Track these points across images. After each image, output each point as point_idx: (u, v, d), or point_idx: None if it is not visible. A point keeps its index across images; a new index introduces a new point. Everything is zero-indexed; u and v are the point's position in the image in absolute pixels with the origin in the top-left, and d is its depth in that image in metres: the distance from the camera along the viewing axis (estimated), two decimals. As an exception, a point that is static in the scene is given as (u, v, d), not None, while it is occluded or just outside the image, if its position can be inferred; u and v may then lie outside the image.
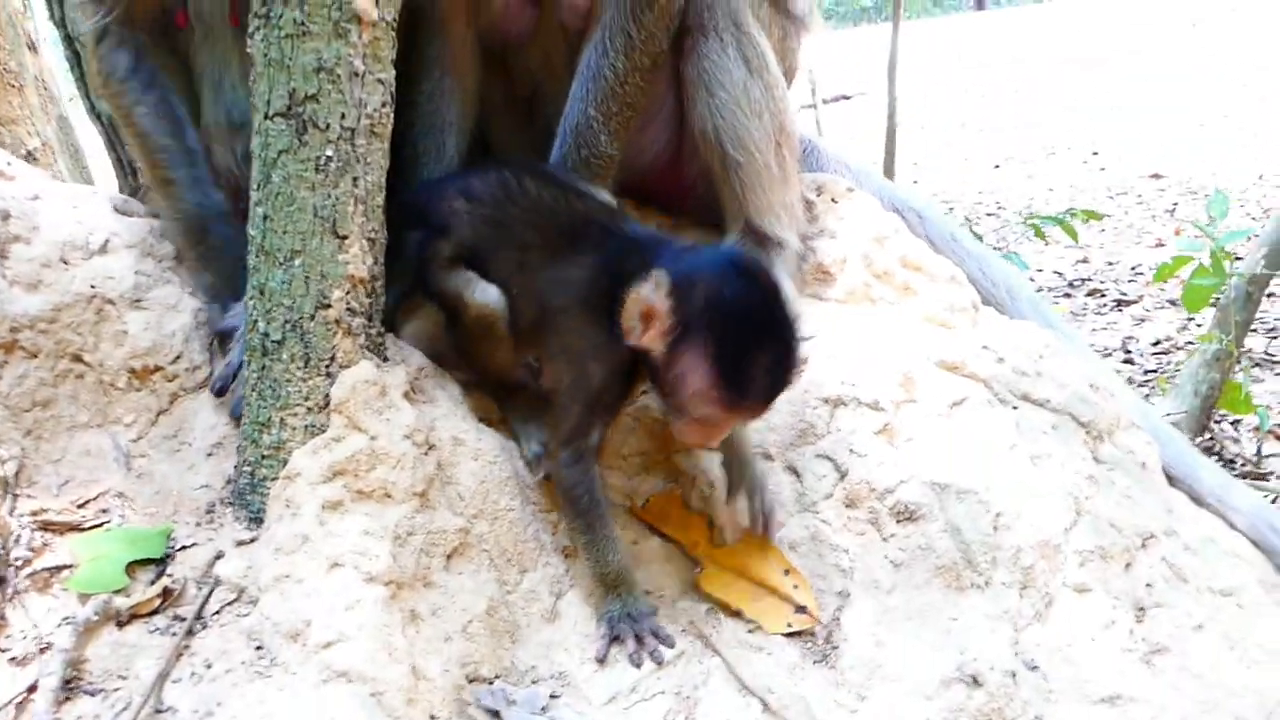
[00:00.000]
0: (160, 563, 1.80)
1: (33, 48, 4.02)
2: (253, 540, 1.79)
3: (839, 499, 2.08)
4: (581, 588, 1.94)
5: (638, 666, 1.83)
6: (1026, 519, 2.13)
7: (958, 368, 2.34)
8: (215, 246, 2.16)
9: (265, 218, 1.79)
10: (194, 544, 1.83)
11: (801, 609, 1.97)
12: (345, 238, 1.80)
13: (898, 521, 2.07)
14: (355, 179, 1.80)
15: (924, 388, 2.27)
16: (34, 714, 1.55)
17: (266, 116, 1.77)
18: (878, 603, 2.01)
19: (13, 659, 1.64)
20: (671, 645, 1.87)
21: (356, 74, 1.76)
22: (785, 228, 2.33)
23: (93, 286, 2.01)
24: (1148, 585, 2.19)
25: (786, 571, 2.02)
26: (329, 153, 1.77)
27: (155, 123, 2.19)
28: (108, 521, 1.84)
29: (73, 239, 2.04)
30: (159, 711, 1.56)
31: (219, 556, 1.78)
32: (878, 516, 2.07)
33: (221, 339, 2.08)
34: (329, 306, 1.80)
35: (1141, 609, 2.15)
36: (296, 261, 1.79)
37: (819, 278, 2.43)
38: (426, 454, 1.83)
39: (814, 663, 1.91)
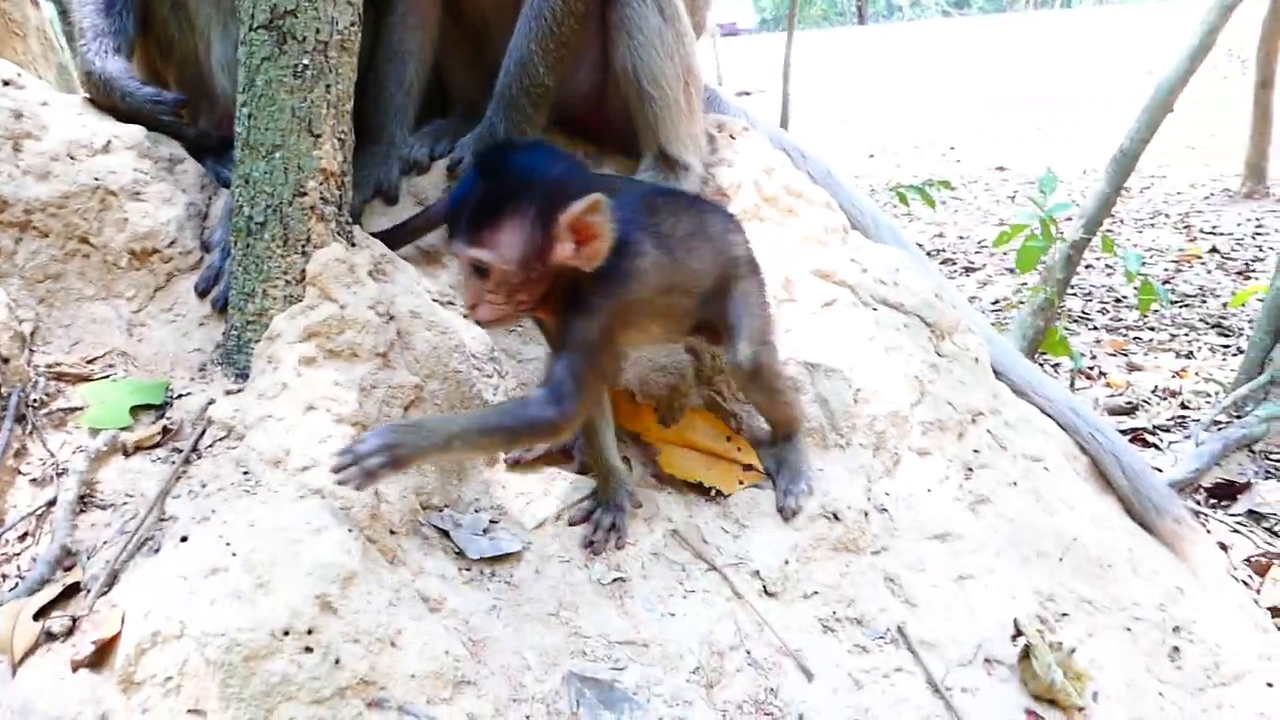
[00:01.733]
0: (160, 408, 1.81)
1: (34, 2, 3.89)
2: (240, 391, 1.82)
3: (730, 374, 2.16)
4: (517, 440, 2.01)
5: (586, 547, 1.84)
6: (880, 395, 2.25)
7: (829, 275, 2.44)
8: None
9: (250, 116, 1.80)
10: (189, 394, 1.84)
11: (749, 467, 2.06)
12: (319, 136, 1.82)
13: (778, 393, 2.18)
14: (328, 86, 1.82)
15: (802, 290, 2.38)
16: (54, 523, 1.58)
17: (251, 28, 1.78)
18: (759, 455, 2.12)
19: (33, 480, 1.66)
20: (621, 546, 1.85)
21: (329, -6, 1.78)
22: (691, 154, 2.39)
23: (96, 179, 1.99)
24: (975, 451, 2.33)
25: (729, 438, 2.11)
26: (305, 61, 1.78)
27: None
28: (114, 374, 1.86)
29: (78, 138, 2.01)
30: (162, 519, 1.59)
31: (211, 402, 1.80)
32: (761, 389, 2.17)
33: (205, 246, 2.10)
34: (305, 194, 1.83)
35: (969, 469, 2.29)
36: (277, 154, 1.80)
37: (717, 199, 2.50)
38: (388, 322, 1.87)
39: (705, 501, 2.01)
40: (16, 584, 1.48)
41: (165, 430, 1.76)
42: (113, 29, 2.16)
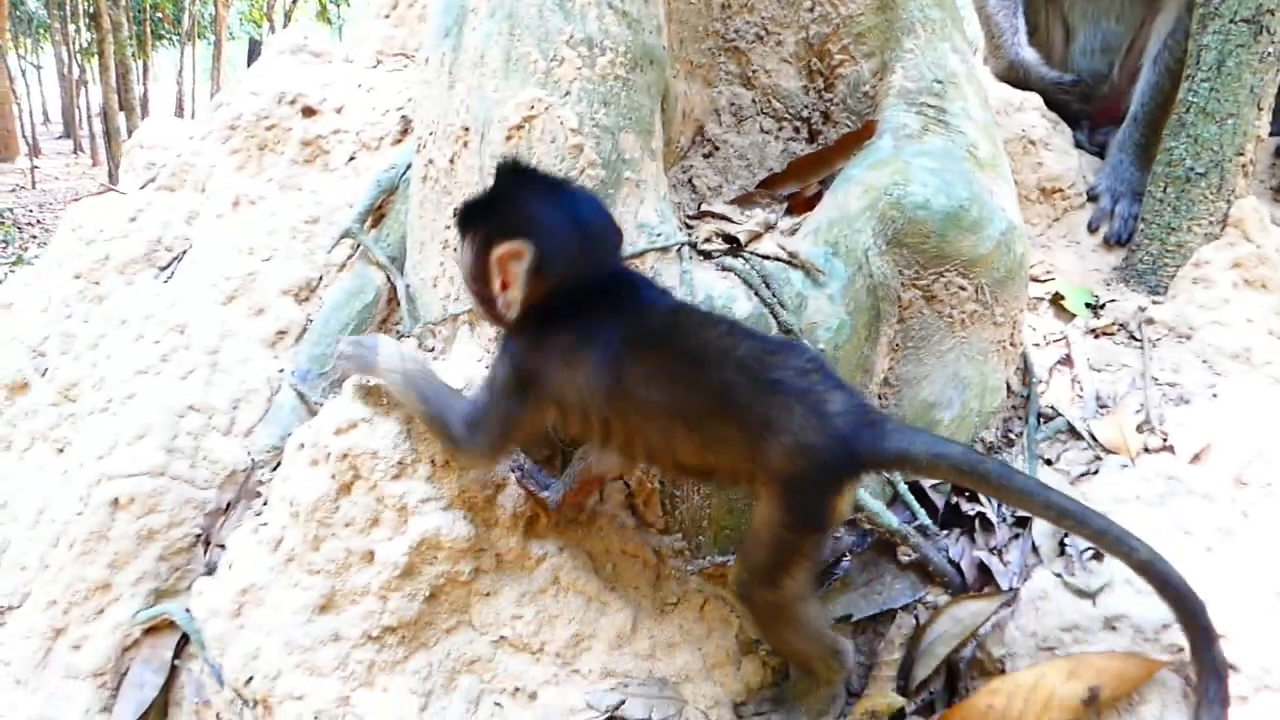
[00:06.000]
0: (1092, 307, 2.33)
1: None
2: (1162, 303, 2.30)
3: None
4: None
5: None
6: None
7: None
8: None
9: (1212, 89, 2.26)
10: (1114, 300, 2.34)
11: None
12: (1261, 109, 2.26)
13: None
14: (1277, 70, 2.26)
15: None
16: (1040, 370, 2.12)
17: (1231, 20, 2.23)
18: None
19: (1035, 344, 2.22)
20: None
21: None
22: None
23: (1023, 131, 2.56)
24: None
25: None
26: (1270, 50, 2.23)
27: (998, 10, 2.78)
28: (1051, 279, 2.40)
29: (1004, 97, 2.60)
30: (1157, 382, 2.09)
31: (1142, 309, 2.29)
32: None
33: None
34: (1242, 154, 2.26)
35: None
36: (1229, 121, 2.25)
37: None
38: (1289, 262, 2.28)
39: None
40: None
41: (1115, 322, 2.27)
42: (1017, 26, 2.74)
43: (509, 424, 1.52)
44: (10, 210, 13.47)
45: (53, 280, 2.47)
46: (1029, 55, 2.69)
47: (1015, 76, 2.71)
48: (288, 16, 19.78)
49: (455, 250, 1.60)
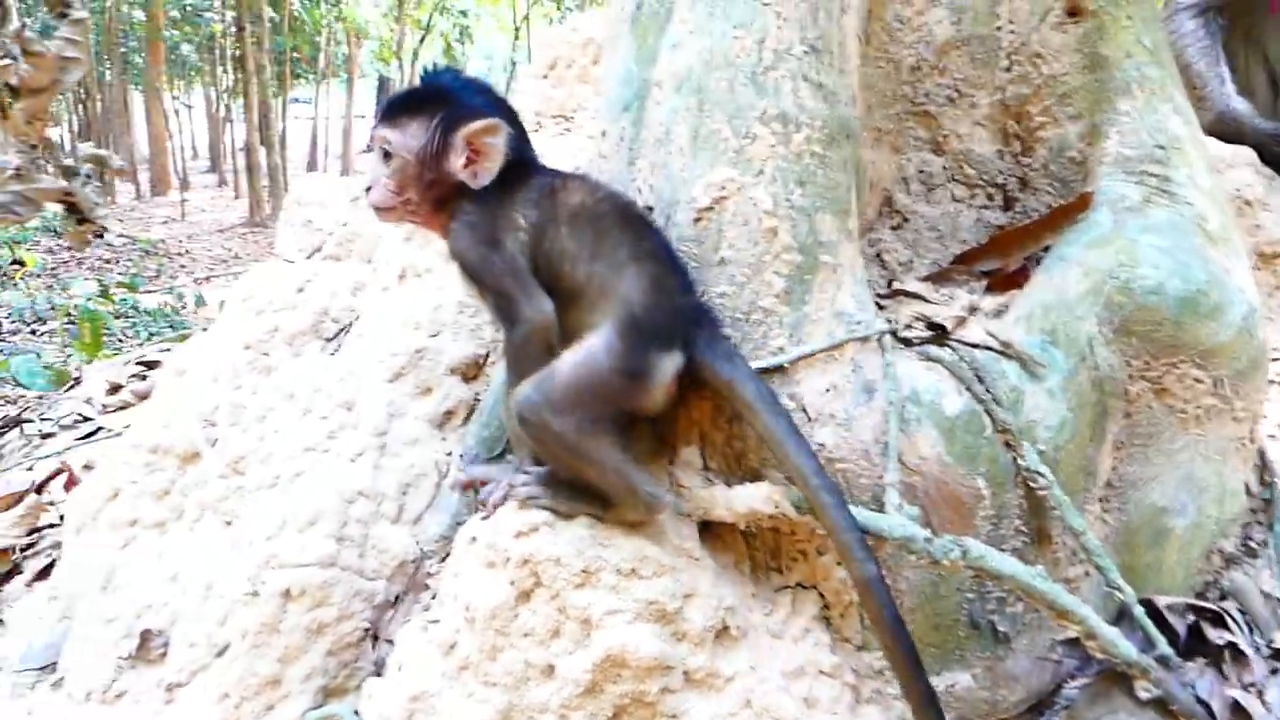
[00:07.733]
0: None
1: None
2: None
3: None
4: None
5: None
6: None
7: None
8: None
9: None
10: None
11: None
12: None
13: None
14: None
15: None
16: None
17: None
18: None
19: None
20: None
21: None
22: None
23: (1237, 190, 2.29)
24: None
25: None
26: None
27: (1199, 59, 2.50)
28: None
29: (1216, 154, 2.34)
30: None
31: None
32: None
33: None
34: None
35: None
36: None
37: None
38: None
39: None
40: None
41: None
42: (1223, 75, 2.49)
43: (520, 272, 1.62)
44: (162, 241, 14.13)
45: (223, 349, 2.45)
46: (1241, 106, 2.43)
47: (1224, 129, 2.45)
48: (415, 55, 20.31)
49: (383, 148, 1.68)
